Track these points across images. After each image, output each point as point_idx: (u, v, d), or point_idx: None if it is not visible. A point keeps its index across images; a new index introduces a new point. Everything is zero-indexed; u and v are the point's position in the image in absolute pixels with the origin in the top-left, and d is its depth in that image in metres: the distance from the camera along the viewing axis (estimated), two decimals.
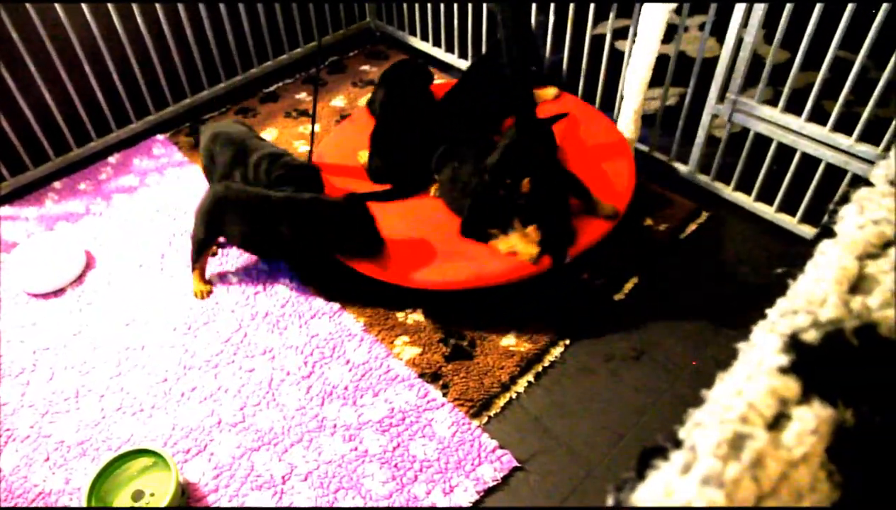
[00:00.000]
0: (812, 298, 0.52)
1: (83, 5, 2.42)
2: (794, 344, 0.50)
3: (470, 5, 2.80)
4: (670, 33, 2.15)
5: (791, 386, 0.47)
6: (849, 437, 0.45)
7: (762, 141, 2.13)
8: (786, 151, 2.09)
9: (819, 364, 0.48)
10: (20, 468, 1.74)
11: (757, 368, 0.48)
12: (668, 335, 1.95)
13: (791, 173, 2.10)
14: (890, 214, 0.57)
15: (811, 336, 0.50)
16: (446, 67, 3.05)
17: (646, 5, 2.06)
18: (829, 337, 0.49)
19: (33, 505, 1.67)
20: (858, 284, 0.53)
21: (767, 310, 0.55)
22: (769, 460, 0.42)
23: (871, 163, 1.90)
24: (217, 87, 2.92)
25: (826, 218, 0.62)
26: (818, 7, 1.81)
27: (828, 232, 0.59)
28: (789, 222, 2.19)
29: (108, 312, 2.09)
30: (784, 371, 0.48)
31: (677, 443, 0.45)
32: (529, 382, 1.86)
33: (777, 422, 0.45)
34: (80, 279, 2.20)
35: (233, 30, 2.86)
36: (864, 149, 1.91)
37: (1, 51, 2.31)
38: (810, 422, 0.44)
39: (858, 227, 0.56)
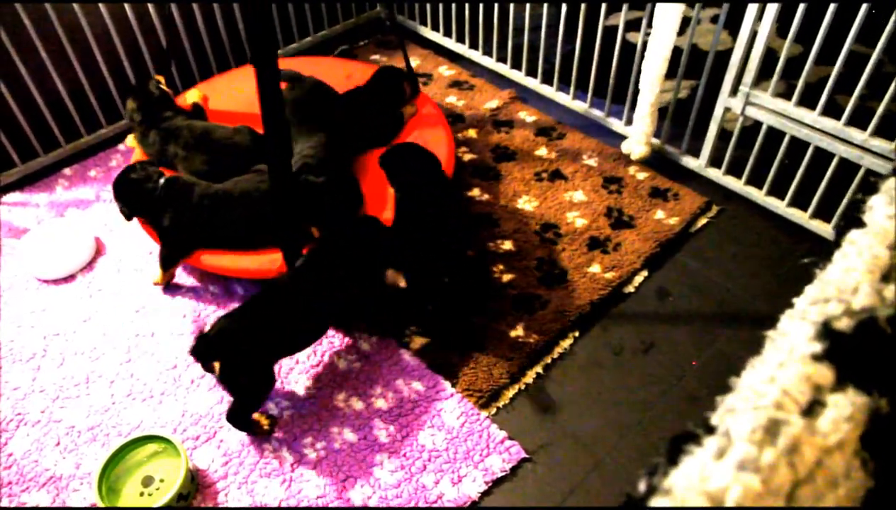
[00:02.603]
0: (844, 287, 0.52)
1: None
2: (826, 332, 0.49)
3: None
4: (683, 26, 2.14)
5: (825, 373, 0.46)
6: (884, 425, 0.45)
7: (775, 135, 2.12)
8: (799, 145, 2.08)
9: (853, 352, 0.48)
10: (31, 452, 1.75)
11: (789, 356, 0.48)
12: (677, 329, 1.95)
13: (804, 168, 2.09)
14: None
15: (844, 324, 0.49)
16: (457, 57, 3.04)
17: None
18: (862, 325, 0.49)
19: (43, 489, 1.68)
20: (890, 274, 0.53)
21: (795, 300, 0.55)
22: (805, 446, 0.42)
23: (885, 158, 1.89)
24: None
25: (850, 208, 0.62)
26: (833, 1, 1.80)
27: (856, 222, 0.59)
28: (801, 217, 2.18)
29: (118, 299, 2.10)
30: (818, 358, 0.48)
31: (710, 429, 0.45)
32: (538, 374, 1.86)
33: (811, 409, 0.45)
34: (90, 265, 2.20)
35: (243, 17, 2.85)
36: (879, 143, 1.90)
37: (13, 38, 2.31)
38: (846, 409, 0.44)
39: (888, 217, 0.56)
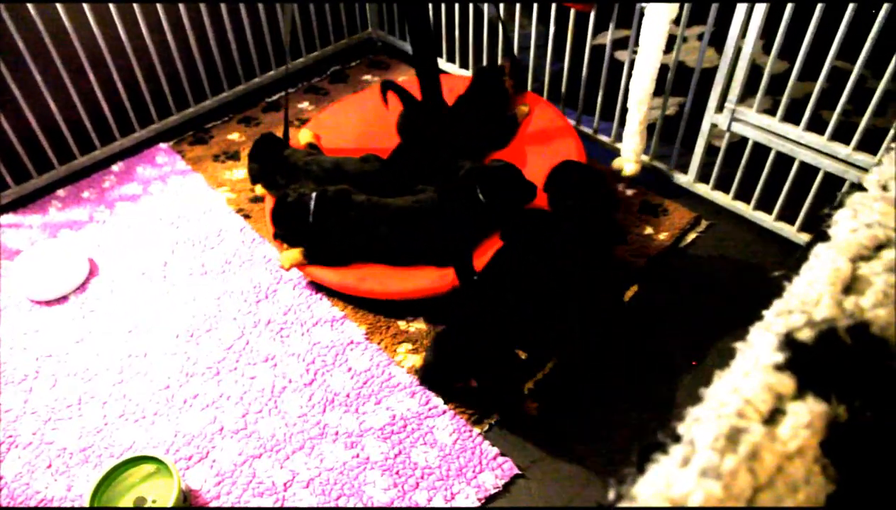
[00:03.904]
0: (807, 299, 0.54)
1: (88, 13, 2.44)
2: (789, 342, 0.51)
3: (471, 15, 2.83)
4: (669, 43, 2.18)
5: (786, 382, 0.48)
6: (842, 432, 0.46)
7: (761, 150, 2.15)
8: (785, 160, 2.11)
9: (813, 361, 0.49)
10: (22, 475, 1.74)
11: (753, 366, 0.50)
12: (668, 344, 1.96)
13: (790, 182, 2.11)
14: (882, 218, 0.58)
15: (805, 335, 0.51)
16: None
17: (647, 18, 2.08)
18: (822, 335, 0.50)
19: None
20: (851, 285, 0.55)
21: (764, 311, 0.56)
22: (765, 453, 0.43)
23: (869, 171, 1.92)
24: (220, 96, 2.94)
25: (818, 222, 0.63)
26: (815, 17, 1.83)
27: (822, 235, 0.60)
28: (789, 230, 2.20)
29: (110, 320, 2.10)
30: (779, 368, 0.49)
31: (676, 438, 0.46)
32: (530, 390, 1.87)
33: (772, 417, 0.46)
34: (83, 286, 2.21)
35: (236, 39, 2.88)
36: (862, 157, 1.92)
37: (6, 59, 2.33)
38: (804, 416, 0.45)
39: (851, 231, 0.58)
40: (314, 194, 2.08)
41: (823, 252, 0.58)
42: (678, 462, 0.43)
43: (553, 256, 1.84)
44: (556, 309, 1.96)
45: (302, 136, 2.52)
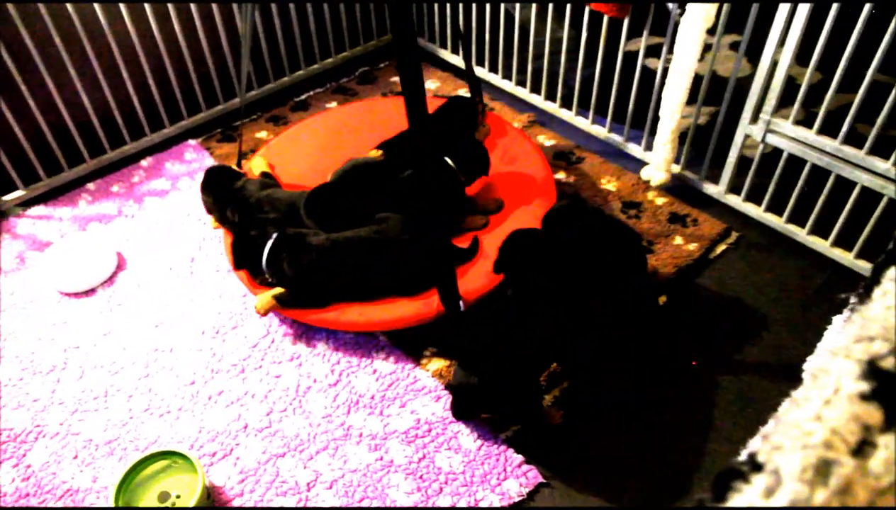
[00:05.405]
0: (887, 325, 0.52)
1: (122, 10, 2.46)
2: (873, 371, 0.49)
3: (502, 19, 2.82)
4: (702, 53, 2.15)
5: (874, 413, 0.46)
6: None
7: (795, 162, 2.11)
8: (819, 173, 2.07)
9: None
10: (49, 464, 1.75)
11: (835, 394, 0.48)
12: (696, 354, 1.93)
13: (824, 196, 2.08)
14: None
15: (890, 363, 0.49)
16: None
17: (682, 26, 2.06)
18: None
19: (61, 502, 1.69)
20: None
21: (828, 334, 0.54)
22: (857, 488, 0.42)
23: None
24: (249, 95, 2.95)
25: (892, 243, 0.61)
26: (857, 28, 1.80)
27: (894, 258, 0.58)
28: (822, 245, 2.17)
29: (137, 314, 2.11)
30: (865, 397, 0.47)
31: (756, 467, 0.45)
32: (556, 397, 1.85)
33: (861, 450, 0.45)
34: (110, 280, 2.22)
35: (266, 38, 2.89)
36: None
37: (42, 54, 2.36)
38: None
39: None
40: (274, 236, 1.98)
41: None
42: (761, 492, 0.42)
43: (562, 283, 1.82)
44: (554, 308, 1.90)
45: (255, 166, 2.38)
